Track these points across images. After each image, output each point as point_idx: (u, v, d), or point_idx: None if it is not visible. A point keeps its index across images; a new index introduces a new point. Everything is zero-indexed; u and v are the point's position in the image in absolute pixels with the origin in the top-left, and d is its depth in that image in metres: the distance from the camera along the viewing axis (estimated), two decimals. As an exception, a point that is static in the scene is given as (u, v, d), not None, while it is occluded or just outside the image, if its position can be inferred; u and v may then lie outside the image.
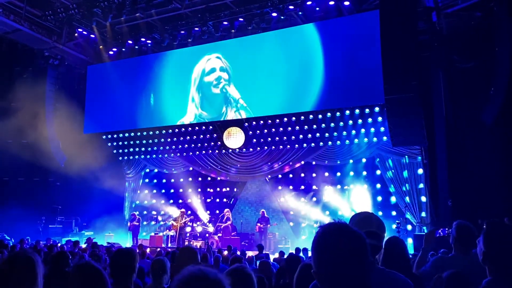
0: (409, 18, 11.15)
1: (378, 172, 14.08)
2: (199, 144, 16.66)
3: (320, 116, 14.29)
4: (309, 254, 9.10)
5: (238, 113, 15.07)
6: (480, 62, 11.28)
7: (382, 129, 13.37)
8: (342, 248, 1.48)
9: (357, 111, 13.71)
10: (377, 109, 13.31)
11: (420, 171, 13.20)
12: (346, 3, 13.41)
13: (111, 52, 17.04)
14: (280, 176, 15.90)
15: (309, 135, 14.70)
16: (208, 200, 17.36)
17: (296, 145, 15.11)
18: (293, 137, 14.96)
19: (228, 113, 15.28)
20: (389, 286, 2.08)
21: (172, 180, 17.72)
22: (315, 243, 1.56)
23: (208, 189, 17.43)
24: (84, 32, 16.25)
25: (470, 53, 11.53)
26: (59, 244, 12.21)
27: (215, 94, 15.60)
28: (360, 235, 1.54)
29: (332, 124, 14.24)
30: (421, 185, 13.16)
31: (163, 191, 17.89)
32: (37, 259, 2.21)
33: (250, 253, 9.82)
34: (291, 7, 13.82)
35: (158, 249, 11.81)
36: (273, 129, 15.17)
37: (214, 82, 15.58)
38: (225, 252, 9.59)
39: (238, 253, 9.62)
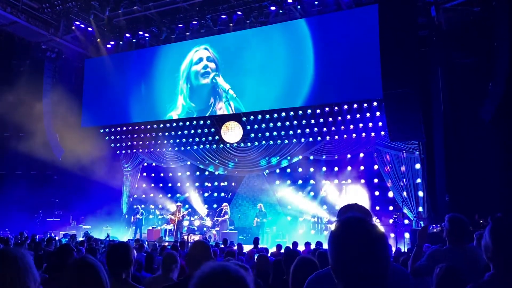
0: (408, 13, 11.13)
1: (376, 166, 14.10)
2: (197, 138, 16.64)
3: (318, 110, 14.28)
4: (312, 247, 9.13)
5: (228, 104, 15.07)
6: (479, 57, 11.26)
7: (380, 124, 13.39)
8: (361, 244, 1.42)
9: (355, 105, 13.71)
10: (375, 103, 13.32)
11: (418, 166, 13.23)
12: (345, -3, 13.37)
13: (108, 46, 16.96)
14: (277, 170, 15.91)
15: (307, 130, 14.70)
16: (206, 194, 17.38)
17: (294, 140, 15.12)
18: (291, 131, 14.96)
19: (216, 105, 15.28)
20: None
21: (170, 174, 17.70)
22: (333, 238, 1.49)
23: (206, 183, 17.45)
24: (82, 25, 16.16)
25: (469, 48, 11.51)
26: (56, 238, 12.22)
27: (203, 85, 15.62)
28: (380, 231, 1.47)
29: (330, 119, 14.25)
30: (419, 180, 13.19)
31: (161, 185, 17.93)
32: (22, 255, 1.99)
33: (247, 247, 9.87)
34: (290, 0, 13.75)
35: (156, 243, 11.83)
36: (271, 124, 15.16)
37: (201, 72, 15.58)
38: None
39: (235, 247, 9.66)
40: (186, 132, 16.65)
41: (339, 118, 14.10)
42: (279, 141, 15.45)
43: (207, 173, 17.27)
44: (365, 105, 13.54)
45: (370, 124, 13.66)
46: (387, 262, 1.44)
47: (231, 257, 4.93)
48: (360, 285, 1.42)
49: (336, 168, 14.91)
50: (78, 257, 2.48)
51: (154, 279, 3.94)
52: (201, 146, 16.74)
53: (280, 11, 14.18)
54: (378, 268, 1.42)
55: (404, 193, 13.27)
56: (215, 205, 16.58)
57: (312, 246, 9.29)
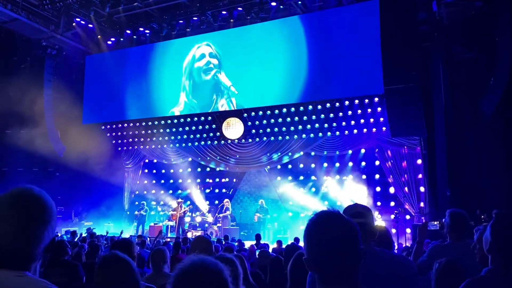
0: (410, 8, 11.10)
1: (377, 162, 14.06)
2: (198, 135, 16.64)
3: (319, 106, 14.26)
4: None
5: (229, 101, 15.05)
6: (480, 52, 11.25)
7: (381, 119, 13.36)
8: (333, 236, 1.49)
9: (356, 101, 13.68)
10: (376, 99, 13.29)
11: (419, 161, 13.21)
12: (346, -8, 13.32)
13: (109, 42, 16.95)
14: (279, 166, 15.91)
15: (308, 126, 14.67)
16: (208, 190, 17.41)
17: (295, 136, 15.09)
18: (292, 127, 14.95)
19: (218, 101, 15.27)
20: (388, 265, 2.15)
21: (172, 171, 17.73)
22: (307, 229, 1.57)
23: (208, 180, 17.47)
24: (82, 22, 16.14)
25: (471, 43, 11.49)
26: (59, 234, 12.27)
27: (205, 81, 15.60)
28: (351, 223, 1.54)
29: (332, 115, 14.22)
30: (420, 176, 13.17)
31: (162, 181, 17.93)
32: None
33: (249, 243, 9.88)
34: (290, -4, 13.72)
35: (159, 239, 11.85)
36: (272, 120, 15.15)
37: (203, 68, 15.57)
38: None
39: (236, 243, 9.69)
40: (187, 128, 16.64)
41: (340, 114, 14.06)
42: (280, 137, 15.44)
43: (208, 169, 17.28)
44: (367, 100, 13.50)
45: (372, 120, 13.64)
46: (357, 254, 1.51)
47: (229, 253, 4.94)
48: (331, 275, 1.50)
49: (337, 164, 14.90)
50: (108, 253, 2.48)
51: (147, 279, 3.80)
52: (202, 143, 16.73)
53: (281, 6, 14.14)
54: (348, 259, 1.50)
55: (406, 189, 13.25)
56: (216, 201, 16.59)
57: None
